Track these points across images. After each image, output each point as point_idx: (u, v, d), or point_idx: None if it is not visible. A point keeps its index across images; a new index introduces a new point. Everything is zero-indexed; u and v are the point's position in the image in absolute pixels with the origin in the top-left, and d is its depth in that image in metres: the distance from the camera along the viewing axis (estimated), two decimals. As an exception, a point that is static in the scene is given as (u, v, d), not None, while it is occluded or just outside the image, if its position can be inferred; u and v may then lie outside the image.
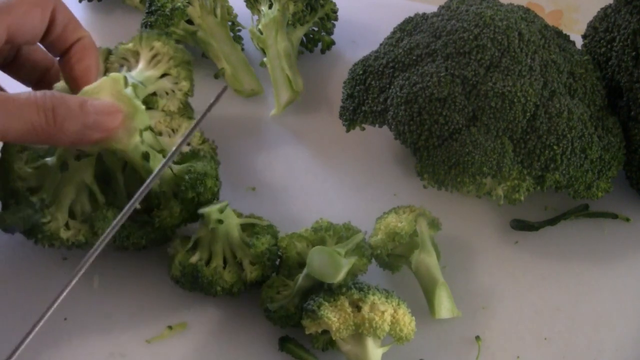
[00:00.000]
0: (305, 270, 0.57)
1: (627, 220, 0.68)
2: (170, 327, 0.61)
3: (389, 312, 0.55)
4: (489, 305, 0.63)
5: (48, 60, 0.62)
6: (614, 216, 0.68)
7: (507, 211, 0.68)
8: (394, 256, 0.61)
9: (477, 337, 0.61)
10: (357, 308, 0.55)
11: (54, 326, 0.61)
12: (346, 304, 0.55)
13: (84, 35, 0.59)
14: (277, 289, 0.59)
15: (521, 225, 0.67)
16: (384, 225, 0.61)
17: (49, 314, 0.49)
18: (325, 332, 0.56)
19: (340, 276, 0.56)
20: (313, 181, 0.71)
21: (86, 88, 0.56)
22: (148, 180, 0.55)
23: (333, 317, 0.54)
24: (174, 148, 0.57)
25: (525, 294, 0.64)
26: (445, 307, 0.59)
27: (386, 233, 0.60)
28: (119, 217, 0.53)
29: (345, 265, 0.56)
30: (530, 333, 0.62)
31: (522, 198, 0.63)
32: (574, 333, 0.62)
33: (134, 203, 0.53)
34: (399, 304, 0.56)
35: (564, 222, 0.68)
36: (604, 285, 0.65)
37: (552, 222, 0.67)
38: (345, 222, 0.60)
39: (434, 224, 0.62)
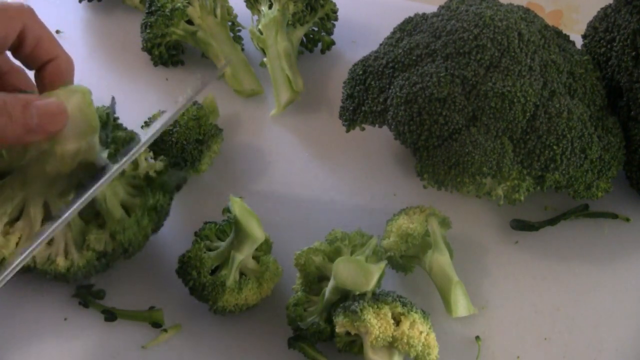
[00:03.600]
0: (331, 284, 0.57)
1: (627, 220, 0.68)
2: (165, 330, 0.61)
3: (424, 334, 0.55)
4: (489, 305, 0.63)
5: (7, 66, 0.59)
6: (614, 216, 0.68)
7: (507, 211, 0.68)
8: (407, 257, 0.61)
9: (477, 337, 0.61)
10: (396, 322, 0.55)
11: (54, 326, 0.61)
12: (389, 314, 0.55)
13: (58, 55, 0.56)
14: (303, 306, 0.59)
15: (521, 225, 0.67)
16: (395, 228, 0.61)
17: None
18: (349, 334, 0.56)
19: (373, 283, 0.56)
20: (313, 181, 0.70)
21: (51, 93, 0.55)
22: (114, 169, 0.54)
23: (375, 323, 0.54)
24: (148, 135, 0.56)
25: (525, 294, 0.64)
26: (462, 305, 0.60)
27: (398, 235, 0.60)
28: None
29: (376, 271, 0.56)
30: (530, 333, 0.62)
31: (522, 198, 0.63)
32: (574, 333, 0.62)
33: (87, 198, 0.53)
34: (430, 328, 0.56)
35: (564, 222, 0.68)
36: (604, 285, 0.65)
37: (552, 222, 0.67)
38: (356, 228, 0.61)
39: (445, 223, 0.62)
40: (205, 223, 0.62)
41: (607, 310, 0.63)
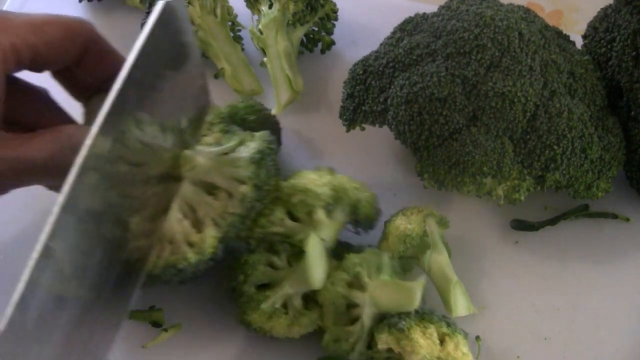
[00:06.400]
0: (370, 311, 0.56)
1: (627, 220, 0.68)
2: (165, 330, 0.61)
3: (466, 356, 0.55)
4: (489, 305, 0.63)
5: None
6: (614, 216, 0.68)
7: (507, 211, 0.68)
8: (405, 258, 0.61)
9: (477, 337, 0.61)
10: (440, 342, 0.54)
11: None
12: (435, 334, 0.54)
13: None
14: (344, 340, 0.57)
15: (521, 225, 0.67)
16: (393, 229, 0.61)
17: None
18: (390, 350, 0.55)
19: (418, 300, 0.55)
20: (313, 181, 0.70)
21: None
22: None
23: (423, 343, 0.53)
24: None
25: (525, 294, 0.64)
26: (461, 304, 0.59)
27: (396, 236, 0.60)
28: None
29: (418, 287, 0.55)
30: (530, 333, 0.62)
31: (522, 198, 0.63)
32: (574, 333, 0.62)
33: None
34: (468, 349, 0.56)
35: (564, 222, 0.68)
36: (604, 285, 0.65)
37: (552, 222, 0.67)
38: (366, 245, 0.60)
39: (443, 222, 0.62)
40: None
41: (607, 310, 0.63)
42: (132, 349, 0.60)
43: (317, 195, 0.58)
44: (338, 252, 0.60)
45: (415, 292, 0.55)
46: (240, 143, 0.59)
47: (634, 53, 0.64)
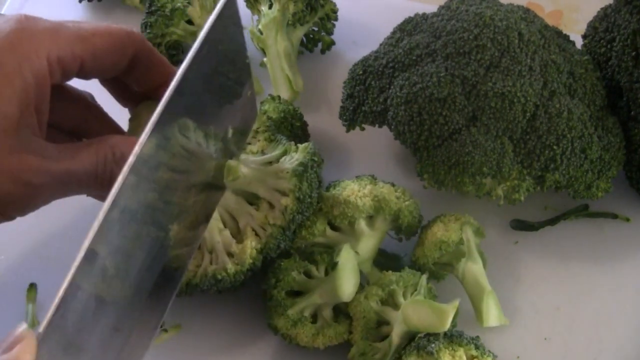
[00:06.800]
0: (400, 329, 0.56)
1: (627, 220, 0.68)
2: (165, 330, 0.61)
3: None
4: (489, 305, 0.63)
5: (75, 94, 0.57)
6: (614, 216, 0.68)
7: (507, 211, 0.68)
8: (439, 265, 0.61)
9: (477, 337, 0.61)
10: None
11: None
12: (464, 357, 0.54)
13: (170, 79, 0.54)
14: (370, 355, 0.57)
15: (521, 225, 0.67)
16: (430, 235, 0.60)
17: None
18: None
19: (449, 322, 0.55)
20: (313, 181, 0.70)
21: None
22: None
23: None
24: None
25: (525, 294, 0.64)
26: (493, 314, 0.59)
27: (432, 242, 0.60)
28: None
29: (451, 310, 0.55)
30: (530, 333, 0.62)
31: (522, 198, 0.63)
32: (574, 333, 0.62)
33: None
34: None
35: (564, 222, 0.68)
36: (604, 285, 0.65)
37: (552, 222, 0.67)
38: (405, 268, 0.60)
39: (479, 232, 0.62)
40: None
41: (607, 310, 0.63)
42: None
43: (358, 207, 0.58)
44: (379, 261, 0.61)
45: (448, 314, 0.55)
46: (284, 153, 0.59)
47: (633, 53, 0.64)
